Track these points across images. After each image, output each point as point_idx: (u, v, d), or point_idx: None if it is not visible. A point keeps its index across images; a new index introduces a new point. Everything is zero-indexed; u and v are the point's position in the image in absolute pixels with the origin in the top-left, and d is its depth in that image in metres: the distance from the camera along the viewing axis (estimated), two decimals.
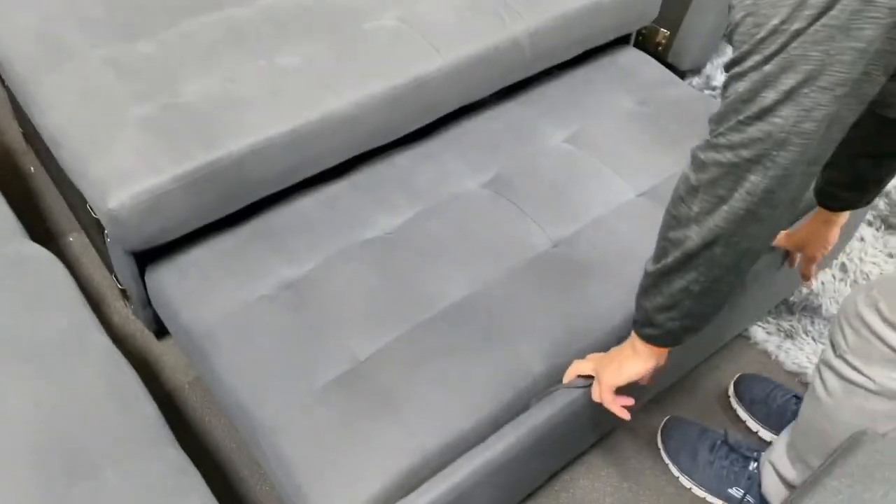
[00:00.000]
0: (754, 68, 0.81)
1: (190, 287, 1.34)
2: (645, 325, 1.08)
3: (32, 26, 1.51)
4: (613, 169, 1.56)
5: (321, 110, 1.40)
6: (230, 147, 1.32)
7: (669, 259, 0.97)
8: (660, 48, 2.31)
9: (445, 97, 1.57)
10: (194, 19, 1.55)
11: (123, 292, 1.54)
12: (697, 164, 0.91)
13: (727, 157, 0.87)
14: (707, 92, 2.33)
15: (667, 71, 1.88)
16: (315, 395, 1.18)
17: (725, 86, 0.86)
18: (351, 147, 1.48)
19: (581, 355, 1.24)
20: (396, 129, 1.54)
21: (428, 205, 1.47)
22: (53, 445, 0.91)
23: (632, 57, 1.89)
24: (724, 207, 0.89)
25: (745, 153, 0.86)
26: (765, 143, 0.84)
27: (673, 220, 0.96)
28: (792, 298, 1.77)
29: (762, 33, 0.79)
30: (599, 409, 1.20)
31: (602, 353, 1.20)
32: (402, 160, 1.57)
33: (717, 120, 0.88)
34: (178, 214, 1.31)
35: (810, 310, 1.75)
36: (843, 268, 1.83)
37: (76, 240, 1.83)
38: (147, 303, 1.47)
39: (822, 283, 1.80)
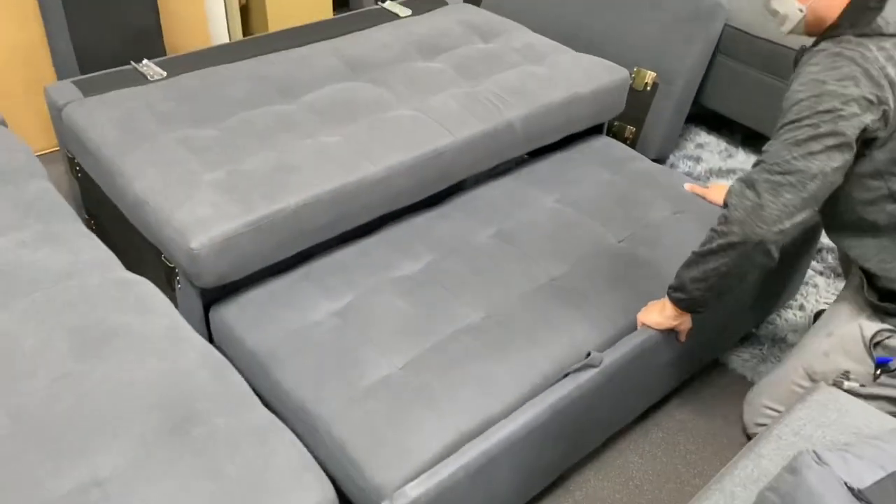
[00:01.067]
0: (810, 126, 1.30)
1: (250, 319, 1.58)
2: (677, 290, 1.51)
3: (116, 118, 1.84)
4: (596, 220, 1.87)
5: (359, 174, 1.71)
6: (288, 201, 1.61)
7: (714, 244, 1.39)
8: (628, 141, 2.70)
9: (457, 167, 1.89)
10: (249, 112, 1.89)
11: None
12: (749, 179, 1.35)
13: (775, 177, 1.32)
14: None
15: (633, 151, 2.24)
16: (363, 392, 1.40)
17: (779, 134, 1.34)
18: (382, 204, 1.79)
19: (582, 356, 1.50)
20: (418, 192, 1.85)
21: (445, 252, 1.76)
22: (171, 403, 1.13)
23: (604, 142, 2.26)
24: (765, 214, 1.32)
25: (789, 178, 1.31)
26: (803, 175, 1.30)
27: (723, 223, 1.37)
28: (758, 331, 2.04)
29: (820, 108, 1.30)
30: (608, 400, 1.46)
31: (653, 302, 1.64)
32: (421, 220, 1.87)
33: (774, 152, 1.33)
34: (246, 255, 1.58)
35: (778, 340, 2.01)
36: (802, 307, 2.12)
37: None
38: (209, 341, 1.70)
39: (787, 321, 2.08)
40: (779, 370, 1.66)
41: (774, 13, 1.47)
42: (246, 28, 3.28)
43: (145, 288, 1.40)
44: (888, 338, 1.49)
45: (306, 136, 1.82)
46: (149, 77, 2.06)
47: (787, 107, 1.36)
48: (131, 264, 1.99)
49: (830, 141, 1.30)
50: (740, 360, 1.97)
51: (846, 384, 1.51)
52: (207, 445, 1.07)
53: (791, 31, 1.46)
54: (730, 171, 2.74)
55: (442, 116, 1.92)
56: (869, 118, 1.31)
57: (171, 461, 1.05)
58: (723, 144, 2.90)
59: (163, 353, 1.22)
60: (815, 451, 0.93)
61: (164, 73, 2.08)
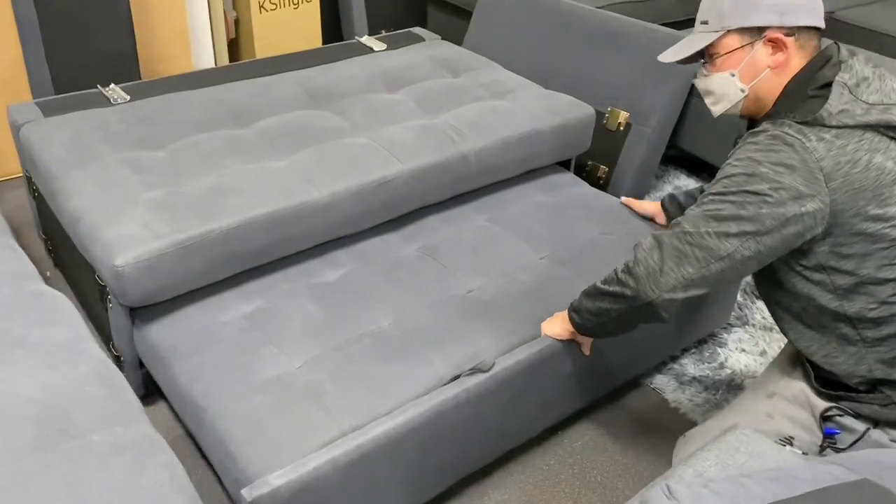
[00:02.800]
0: (733, 204, 1.24)
1: (161, 317, 1.59)
2: (574, 311, 1.51)
3: (67, 138, 1.85)
4: (522, 239, 1.86)
5: (299, 198, 1.70)
6: (220, 222, 1.60)
7: (610, 288, 1.38)
8: (601, 181, 2.67)
9: (406, 196, 1.88)
10: (199, 135, 1.90)
11: (118, 358, 1.74)
12: (660, 241, 1.32)
13: (684, 247, 1.29)
14: None
15: (582, 181, 2.23)
16: (254, 387, 1.41)
17: (703, 202, 1.29)
18: (325, 230, 1.77)
19: (484, 366, 1.48)
20: (364, 219, 1.83)
21: (366, 262, 1.75)
22: (49, 416, 1.11)
23: (564, 177, 2.24)
24: (661, 280, 1.29)
25: (696, 252, 1.26)
26: (711, 254, 1.26)
27: (625, 270, 1.36)
28: (691, 349, 1.99)
29: (749, 188, 1.24)
30: (503, 409, 1.50)
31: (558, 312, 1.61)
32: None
33: (690, 220, 1.29)
34: (174, 275, 1.56)
35: (733, 387, 1.95)
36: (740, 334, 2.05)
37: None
38: (139, 365, 1.68)
39: (746, 366, 2.01)
40: (712, 421, 1.59)
41: (708, 93, 1.43)
42: (233, 60, 3.33)
43: (57, 301, 1.39)
44: (838, 415, 1.42)
45: (253, 160, 1.82)
46: (112, 100, 2.08)
47: (719, 178, 1.32)
48: (76, 282, 1.99)
49: (748, 227, 1.25)
50: (665, 381, 1.92)
51: (788, 450, 1.44)
52: (75, 461, 1.04)
53: (725, 112, 1.43)
54: None
55: (394, 145, 1.91)
56: (795, 209, 1.24)
57: (34, 475, 1.01)
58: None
59: (56, 366, 1.20)
60: (667, 485, 0.88)
61: (128, 97, 2.10)
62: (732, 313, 2.16)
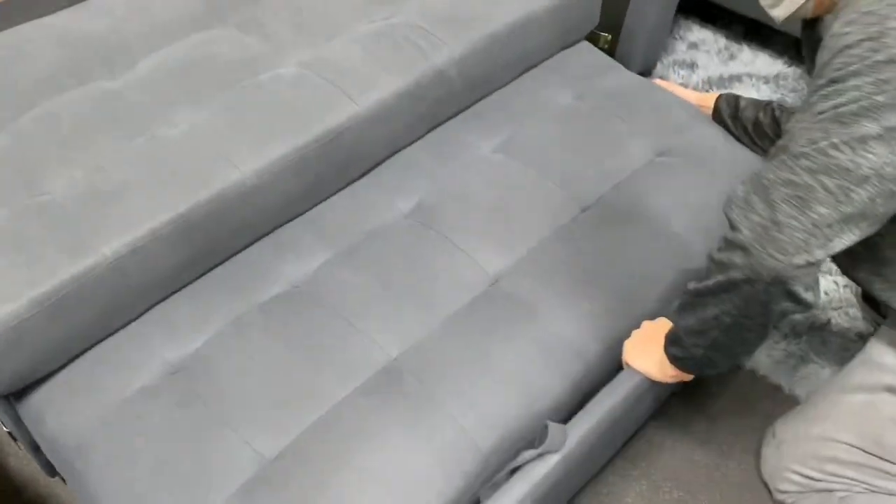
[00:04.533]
0: (860, 92, 0.79)
1: (58, 392, 1.09)
2: (673, 343, 1.05)
3: None
4: (553, 180, 1.35)
5: (216, 186, 1.15)
6: (103, 251, 1.06)
7: (711, 282, 0.92)
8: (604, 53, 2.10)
9: (368, 146, 1.33)
10: (55, 99, 1.29)
11: (10, 433, 1.26)
12: (760, 183, 0.85)
13: (803, 178, 0.81)
14: None
15: (609, 59, 1.67)
16: None
17: (810, 102, 0.83)
18: (260, 223, 1.24)
19: (553, 445, 1.01)
20: (313, 194, 1.29)
21: (342, 247, 1.24)
22: None
23: (583, 53, 1.67)
24: (781, 237, 0.82)
25: (825, 180, 0.81)
26: (848, 177, 0.80)
27: (722, 248, 0.90)
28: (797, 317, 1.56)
29: (880, 57, 0.77)
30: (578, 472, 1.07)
31: (652, 324, 1.15)
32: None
33: (798, 135, 0.83)
34: (51, 342, 1.05)
35: (817, 329, 1.53)
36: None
37: None
38: (35, 445, 1.20)
39: (826, 293, 1.59)
40: (812, 424, 1.17)
41: None
42: None
43: None
44: None
45: (136, 130, 1.23)
46: None
47: (827, 59, 0.83)
48: None
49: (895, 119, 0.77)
50: (770, 363, 1.49)
51: None
52: None
53: (792, 16, 0.99)
54: (733, 79, 2.17)
55: (339, 73, 1.33)
56: None
57: None
58: (721, 41, 2.30)
59: None
60: None
61: None
62: None
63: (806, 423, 1.17)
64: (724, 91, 2.12)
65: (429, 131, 1.44)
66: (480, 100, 1.52)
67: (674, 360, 1.05)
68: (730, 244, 0.87)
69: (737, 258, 0.85)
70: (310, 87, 1.30)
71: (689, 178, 1.39)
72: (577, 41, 1.69)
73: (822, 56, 0.85)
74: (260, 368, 1.09)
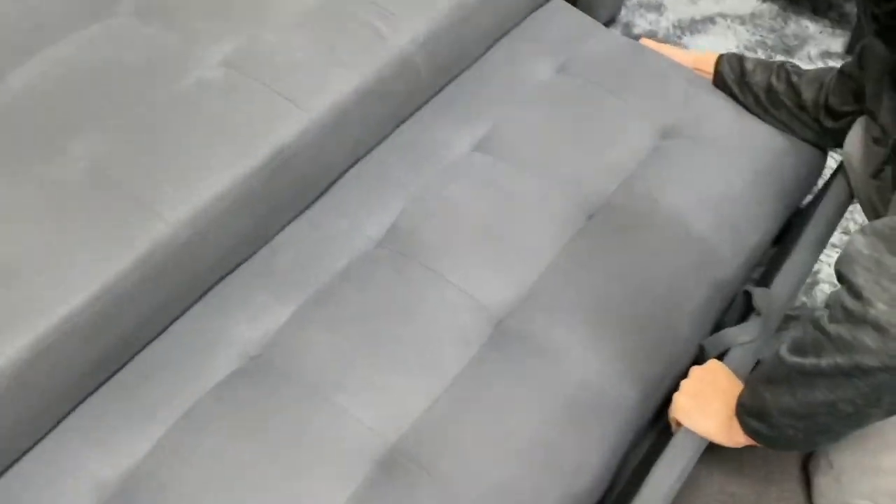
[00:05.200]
0: None
1: None
2: (755, 416, 0.84)
3: None
4: (550, 183, 1.13)
5: (137, 248, 0.87)
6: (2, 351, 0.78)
7: (823, 362, 0.70)
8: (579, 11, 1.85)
9: (323, 166, 1.06)
10: None
11: None
12: (883, 247, 0.64)
13: None
14: None
15: (589, 19, 1.43)
16: None
17: None
18: (195, 286, 0.97)
19: None
20: (263, 233, 1.03)
21: (304, 298, 0.99)
22: None
23: (558, 10, 1.42)
24: None
25: None
26: None
27: (839, 319, 0.68)
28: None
29: None
30: None
31: (703, 371, 0.94)
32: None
33: None
34: None
35: None
36: None
37: None
38: None
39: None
40: (880, 458, 1.01)
41: None
42: None
43: None
44: None
45: (21, 169, 0.93)
46: None
47: None
48: None
49: None
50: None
51: None
52: None
53: None
54: (706, 21, 1.95)
55: (280, 72, 1.04)
56: None
57: None
58: None
59: None
60: None
61: None
62: None
63: (873, 454, 1.02)
64: (697, 36, 1.92)
65: (394, 130, 1.18)
66: (449, 83, 1.26)
67: (754, 434, 0.85)
68: (854, 319, 0.67)
69: (868, 339, 0.65)
70: (243, 95, 1.02)
71: (703, 165, 1.18)
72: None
73: None
74: (223, 482, 0.85)
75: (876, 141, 1.00)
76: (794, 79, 1.20)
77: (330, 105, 1.03)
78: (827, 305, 0.72)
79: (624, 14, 1.97)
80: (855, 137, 1.09)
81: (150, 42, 1.08)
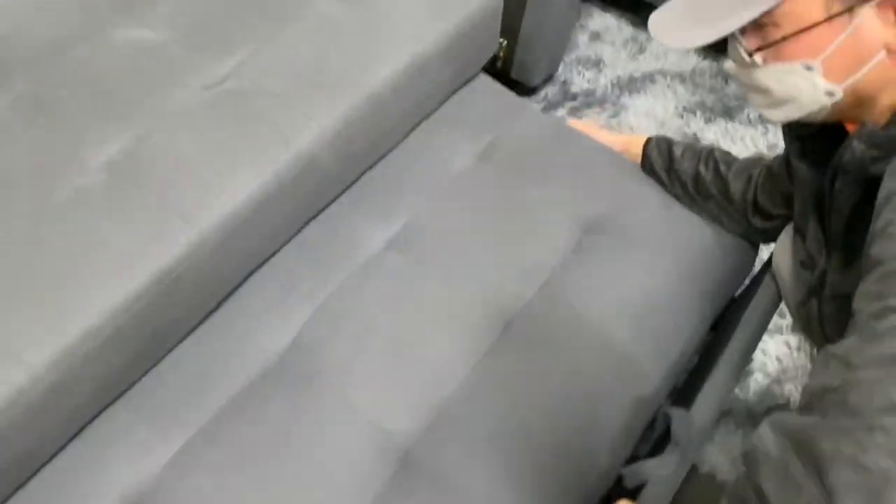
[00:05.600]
0: None
1: None
2: None
3: None
4: (467, 288, 1.06)
5: None
6: None
7: None
8: (498, 63, 1.79)
9: (212, 284, 0.98)
10: None
11: None
12: (808, 450, 0.57)
13: (879, 464, 0.53)
14: (568, 105, 1.85)
15: (514, 97, 1.38)
16: None
17: (878, 331, 0.58)
18: (47, 445, 0.87)
19: None
20: (136, 369, 0.94)
21: (193, 431, 0.91)
22: None
23: (484, 89, 1.36)
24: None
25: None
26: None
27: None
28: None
29: None
30: None
31: None
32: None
33: (867, 389, 0.55)
34: None
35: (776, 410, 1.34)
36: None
37: None
38: None
39: (779, 360, 1.39)
40: None
41: (759, 90, 0.79)
42: None
43: None
44: None
45: None
46: None
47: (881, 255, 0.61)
48: None
49: None
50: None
51: None
52: None
53: (794, 121, 0.80)
54: (646, 78, 1.91)
55: (169, 179, 0.96)
56: None
57: None
58: (626, 29, 2.03)
59: None
60: None
61: None
62: None
63: None
64: (636, 96, 1.88)
65: (301, 229, 1.10)
66: (364, 174, 1.18)
67: None
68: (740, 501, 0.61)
69: None
70: (124, 209, 0.93)
71: (626, 264, 1.13)
72: (475, 75, 1.37)
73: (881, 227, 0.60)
74: None
75: (803, 264, 0.95)
76: (723, 168, 1.15)
77: (223, 217, 0.95)
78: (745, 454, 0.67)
79: (562, 71, 1.92)
80: (784, 250, 1.04)
81: (29, 142, 0.98)
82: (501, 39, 1.75)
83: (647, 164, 1.25)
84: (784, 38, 0.73)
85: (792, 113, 0.78)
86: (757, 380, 1.36)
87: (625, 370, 1.03)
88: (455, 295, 1.05)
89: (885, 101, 0.74)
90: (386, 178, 1.17)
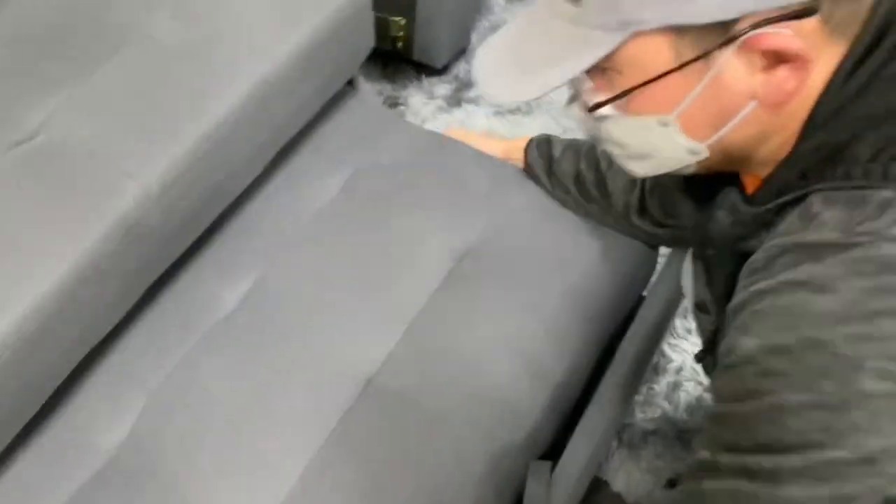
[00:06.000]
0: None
1: None
2: None
3: None
4: (319, 345, 0.97)
5: None
6: None
7: None
8: (399, 44, 1.66)
9: (29, 387, 0.90)
10: None
11: None
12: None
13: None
14: (465, 107, 1.71)
15: (382, 109, 1.27)
16: None
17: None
18: None
19: None
20: None
21: None
22: None
23: (341, 107, 1.25)
24: None
25: None
26: None
27: None
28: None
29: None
30: None
31: None
32: None
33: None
34: None
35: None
36: None
37: None
38: None
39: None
40: None
41: (614, 143, 0.68)
42: None
43: None
44: None
45: None
46: None
47: (733, 361, 0.58)
48: None
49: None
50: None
51: None
52: None
53: (658, 175, 0.69)
54: None
55: None
56: None
57: None
58: None
59: None
60: None
61: None
62: None
63: None
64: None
65: (140, 300, 1.01)
66: (215, 224, 1.09)
67: None
68: None
69: None
70: None
71: (504, 292, 1.04)
72: (346, 86, 1.25)
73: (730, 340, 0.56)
74: None
75: (699, 307, 0.84)
76: (603, 165, 1.05)
77: (22, 314, 0.85)
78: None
79: (475, 42, 1.79)
80: (687, 274, 0.91)
81: None
82: (399, 18, 1.62)
83: (529, 169, 1.15)
84: (633, 89, 0.61)
85: (655, 169, 0.67)
86: (688, 390, 1.28)
87: (497, 413, 0.96)
88: (307, 356, 0.97)
89: (763, 153, 0.63)
90: (238, 226, 1.07)
